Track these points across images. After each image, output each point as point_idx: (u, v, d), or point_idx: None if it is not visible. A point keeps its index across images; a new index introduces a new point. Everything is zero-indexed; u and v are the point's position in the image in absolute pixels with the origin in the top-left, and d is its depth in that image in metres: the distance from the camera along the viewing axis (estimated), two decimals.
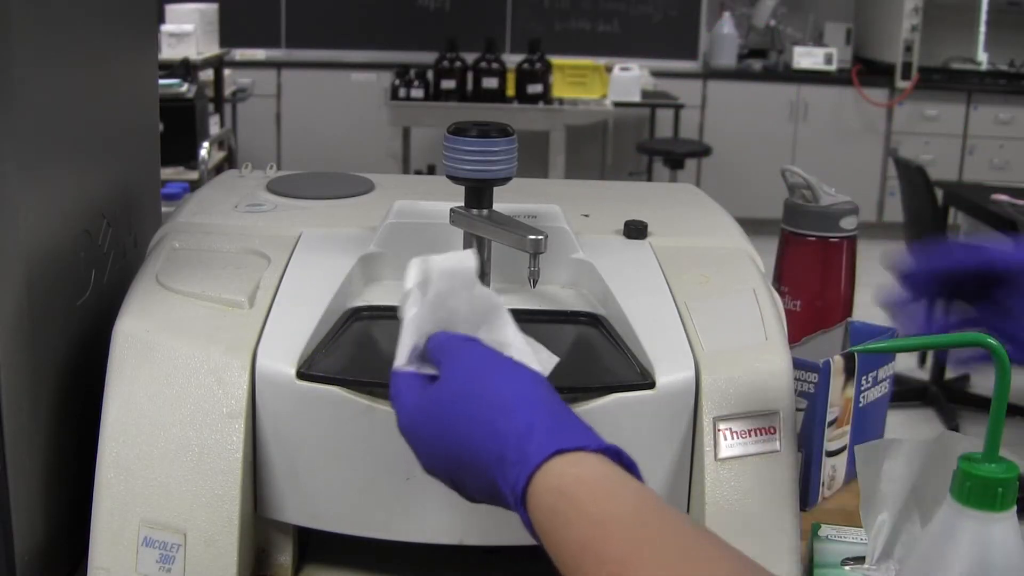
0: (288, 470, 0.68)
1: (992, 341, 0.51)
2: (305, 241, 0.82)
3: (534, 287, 0.74)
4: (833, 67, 5.92)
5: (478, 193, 0.75)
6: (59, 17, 0.72)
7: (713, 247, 0.84)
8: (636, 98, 5.39)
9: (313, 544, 0.76)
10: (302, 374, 0.67)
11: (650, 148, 5.40)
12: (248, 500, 0.67)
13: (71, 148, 0.75)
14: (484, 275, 0.78)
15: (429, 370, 0.59)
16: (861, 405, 0.94)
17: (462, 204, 0.76)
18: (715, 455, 0.69)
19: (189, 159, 3.62)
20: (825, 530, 0.76)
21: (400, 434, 0.58)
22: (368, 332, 0.74)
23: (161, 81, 2.44)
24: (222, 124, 4.44)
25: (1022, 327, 0.58)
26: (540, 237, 0.71)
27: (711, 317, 0.74)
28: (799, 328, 0.94)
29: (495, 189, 0.75)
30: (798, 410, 0.88)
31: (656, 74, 5.76)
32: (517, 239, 0.72)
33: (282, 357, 0.67)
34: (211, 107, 4.20)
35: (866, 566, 0.67)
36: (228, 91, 4.93)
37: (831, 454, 0.92)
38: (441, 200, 0.79)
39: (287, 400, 0.67)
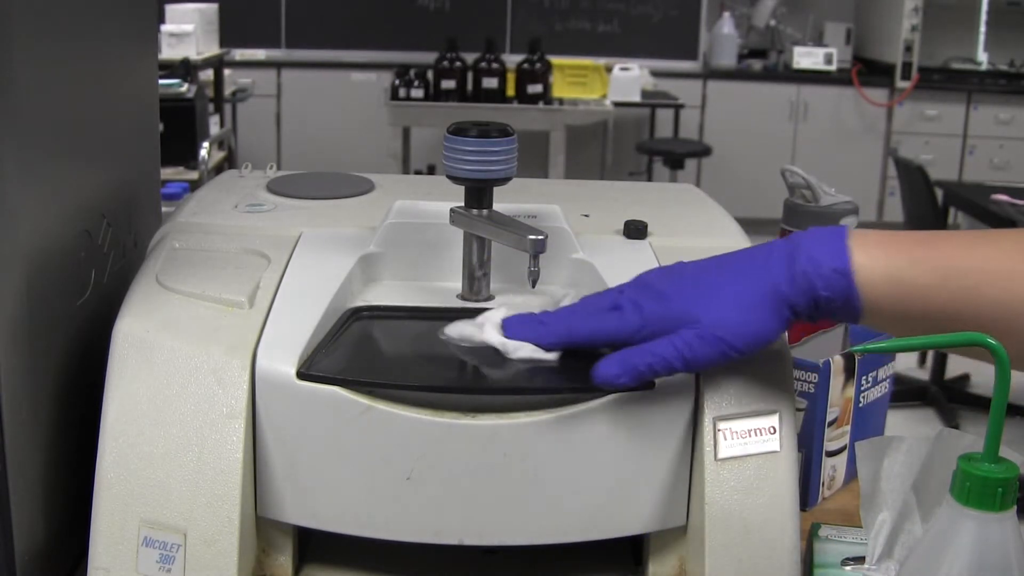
0: (288, 470, 0.68)
1: (992, 341, 0.51)
2: (305, 241, 0.82)
3: (534, 287, 0.74)
4: (833, 67, 5.92)
5: (478, 193, 0.75)
6: (59, 17, 0.72)
7: (713, 247, 0.84)
8: (636, 98, 5.40)
9: (313, 544, 0.76)
10: (302, 374, 0.67)
11: (650, 148, 5.41)
12: (248, 500, 0.67)
13: (71, 148, 0.75)
14: (484, 275, 0.78)
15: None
16: (861, 405, 0.94)
17: (462, 204, 0.76)
18: (715, 455, 0.69)
19: (189, 159, 3.63)
20: (825, 530, 0.76)
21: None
22: (368, 332, 0.74)
23: (161, 81, 2.44)
24: (222, 124, 4.44)
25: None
26: (540, 237, 0.71)
27: None
28: (799, 328, 0.94)
29: (495, 189, 0.75)
30: (798, 410, 0.88)
31: (656, 74, 5.76)
32: (517, 239, 0.72)
33: (282, 357, 0.67)
34: (211, 107, 4.20)
35: (866, 566, 0.67)
36: (228, 91, 4.93)
37: (831, 454, 0.92)
38: (441, 200, 0.79)
39: (287, 400, 0.67)
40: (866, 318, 0.65)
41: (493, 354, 0.69)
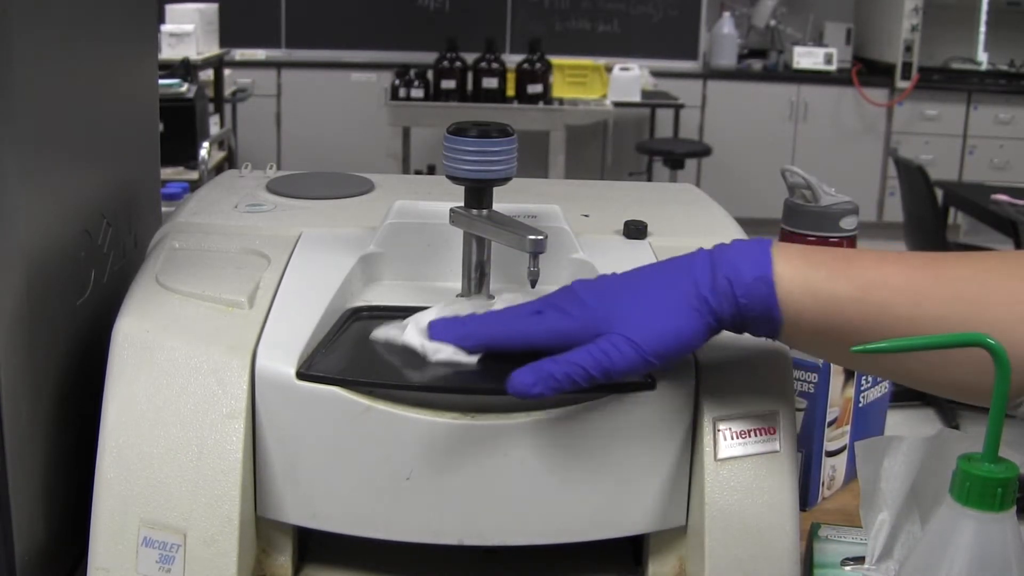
0: (288, 470, 0.68)
1: (991, 341, 0.51)
2: (305, 241, 0.82)
3: (534, 287, 0.74)
4: (833, 67, 5.93)
5: (478, 193, 0.75)
6: (59, 17, 0.72)
7: None
8: (636, 98, 5.40)
9: (313, 544, 0.76)
10: (302, 374, 0.67)
11: (650, 148, 5.41)
12: (248, 500, 0.68)
13: (71, 148, 0.75)
14: (484, 276, 0.78)
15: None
16: (861, 405, 0.94)
17: (462, 204, 0.76)
18: (715, 455, 0.69)
19: (189, 159, 3.63)
20: (825, 530, 0.76)
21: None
22: (368, 332, 0.74)
23: (161, 81, 2.45)
24: (222, 124, 4.45)
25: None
26: (540, 237, 0.71)
27: None
28: None
29: (495, 189, 0.75)
30: (798, 410, 0.88)
31: (656, 74, 5.76)
32: (517, 239, 0.72)
33: (282, 357, 0.67)
34: (211, 107, 4.20)
35: (866, 566, 0.67)
36: (228, 91, 4.93)
37: (831, 454, 0.92)
38: (441, 200, 0.79)
39: (287, 400, 0.67)
40: (786, 331, 0.64)
41: (415, 356, 0.69)
